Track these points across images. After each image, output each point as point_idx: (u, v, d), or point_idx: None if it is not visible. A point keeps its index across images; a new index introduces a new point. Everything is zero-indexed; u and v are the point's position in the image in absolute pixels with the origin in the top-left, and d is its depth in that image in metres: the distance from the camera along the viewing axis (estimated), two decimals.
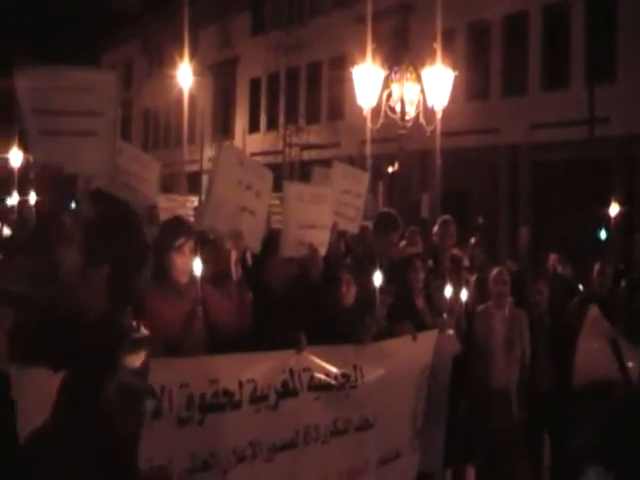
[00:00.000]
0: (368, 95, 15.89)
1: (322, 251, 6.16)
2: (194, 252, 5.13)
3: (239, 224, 5.54)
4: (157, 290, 5.13)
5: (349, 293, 6.07)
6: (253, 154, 28.44)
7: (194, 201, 23.66)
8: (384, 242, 7.50)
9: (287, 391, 5.20)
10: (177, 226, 5.45)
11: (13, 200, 16.04)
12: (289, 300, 5.68)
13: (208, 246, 5.74)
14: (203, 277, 5.06)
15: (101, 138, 5.58)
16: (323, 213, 6.23)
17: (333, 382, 5.49)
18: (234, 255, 5.42)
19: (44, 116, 5.42)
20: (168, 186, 39.20)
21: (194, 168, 37.33)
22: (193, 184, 36.03)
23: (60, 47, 44.22)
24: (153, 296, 5.07)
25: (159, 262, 5.17)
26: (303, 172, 29.90)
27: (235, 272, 5.37)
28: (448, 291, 6.80)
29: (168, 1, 38.08)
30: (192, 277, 5.03)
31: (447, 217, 8.64)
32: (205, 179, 34.07)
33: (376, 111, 16.41)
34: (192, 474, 4.67)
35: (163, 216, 8.69)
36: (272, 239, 5.88)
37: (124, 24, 48.68)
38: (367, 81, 15.91)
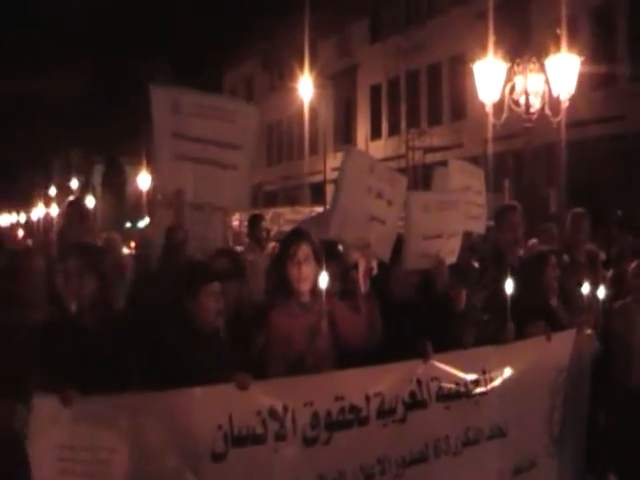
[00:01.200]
0: (490, 90, 15.58)
1: (451, 259, 5.96)
2: (315, 262, 5.07)
3: (367, 234, 5.41)
4: (280, 304, 5.12)
5: (460, 297, 5.80)
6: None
7: (319, 212, 23.79)
8: (508, 227, 7.22)
9: (415, 402, 5.03)
10: (291, 235, 5.44)
11: (144, 223, 16.46)
12: (413, 308, 5.50)
13: (335, 258, 5.60)
14: (330, 290, 4.97)
15: (240, 172, 5.55)
16: (452, 219, 5.98)
17: (462, 390, 5.27)
18: (362, 266, 5.28)
19: (183, 141, 5.40)
20: (292, 198, 39.79)
21: (317, 179, 37.58)
22: (316, 195, 36.26)
23: (186, 67, 45.57)
24: (277, 310, 5.09)
25: (280, 275, 5.15)
26: (426, 175, 29.59)
27: (363, 284, 5.25)
28: (585, 288, 6.45)
29: (287, 16, 38.60)
30: (317, 290, 4.95)
31: (579, 210, 8.30)
32: (329, 189, 34.33)
33: (499, 106, 16.12)
34: None
35: (289, 227, 8.69)
36: (396, 247, 5.70)
37: (244, 41, 49.58)
38: (489, 76, 15.61)
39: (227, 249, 7.31)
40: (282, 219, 23.56)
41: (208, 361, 4.62)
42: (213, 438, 4.23)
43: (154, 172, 6.29)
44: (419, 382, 5.04)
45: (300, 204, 33.72)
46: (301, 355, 4.91)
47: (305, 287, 5.05)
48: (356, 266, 5.40)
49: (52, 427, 3.95)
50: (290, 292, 5.08)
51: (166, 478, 4.17)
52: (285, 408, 4.46)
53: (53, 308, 4.88)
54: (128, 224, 44.19)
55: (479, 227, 7.32)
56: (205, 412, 4.25)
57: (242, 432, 4.31)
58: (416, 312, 5.41)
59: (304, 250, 5.06)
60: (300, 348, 4.92)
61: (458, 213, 6.09)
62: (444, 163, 7.66)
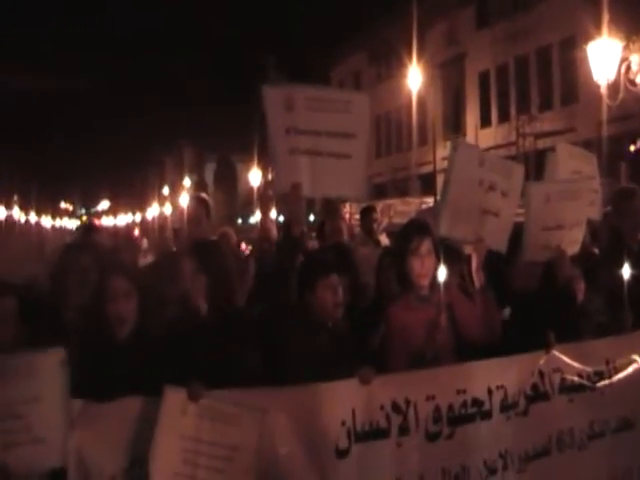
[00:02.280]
0: (605, 70, 15.14)
1: (574, 249, 5.81)
2: (435, 255, 5.04)
3: (480, 228, 5.34)
4: (401, 298, 5.14)
5: (579, 289, 5.68)
6: (486, 149, 27.91)
7: (429, 202, 23.69)
8: (628, 212, 6.96)
9: (538, 395, 4.93)
10: (413, 228, 5.40)
11: (255, 218, 16.65)
12: (534, 300, 5.42)
13: (454, 251, 5.56)
14: (449, 282, 4.95)
15: (355, 161, 5.56)
16: (574, 209, 5.82)
17: (585, 381, 5.12)
18: (475, 261, 5.23)
19: (297, 135, 5.44)
20: (402, 189, 39.65)
21: (426, 170, 37.34)
22: (426, 186, 36.05)
23: (294, 65, 46.02)
24: (397, 305, 5.11)
25: (401, 269, 5.13)
26: (538, 162, 29.04)
27: (477, 279, 5.20)
28: None
29: (392, 6, 38.53)
30: (436, 283, 4.93)
31: None
32: (440, 179, 34.09)
33: (614, 87, 15.64)
34: None
35: (400, 219, 8.59)
36: (516, 238, 5.60)
37: (350, 35, 49.64)
38: (603, 56, 15.15)
39: (337, 243, 7.33)
40: (392, 210, 23.56)
41: (329, 355, 4.65)
42: (337, 434, 4.24)
43: (272, 171, 6.30)
44: (541, 374, 4.93)
45: (410, 195, 33.62)
46: (421, 349, 4.89)
47: (426, 281, 5.03)
48: (470, 260, 5.34)
49: (179, 418, 4.03)
50: (410, 286, 5.07)
51: (291, 476, 4.20)
52: (407, 402, 4.43)
53: (182, 306, 4.96)
54: (239, 220, 45.05)
55: (595, 213, 7.11)
56: (329, 408, 4.25)
57: (365, 427, 4.31)
58: (537, 303, 5.32)
59: (426, 244, 5.05)
60: (420, 342, 4.90)
61: (580, 202, 5.91)
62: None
